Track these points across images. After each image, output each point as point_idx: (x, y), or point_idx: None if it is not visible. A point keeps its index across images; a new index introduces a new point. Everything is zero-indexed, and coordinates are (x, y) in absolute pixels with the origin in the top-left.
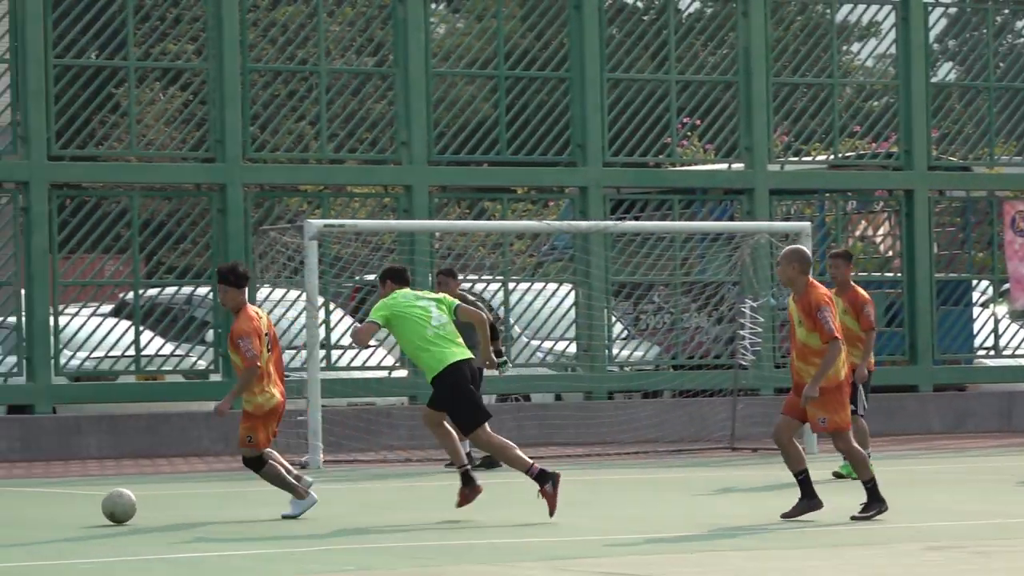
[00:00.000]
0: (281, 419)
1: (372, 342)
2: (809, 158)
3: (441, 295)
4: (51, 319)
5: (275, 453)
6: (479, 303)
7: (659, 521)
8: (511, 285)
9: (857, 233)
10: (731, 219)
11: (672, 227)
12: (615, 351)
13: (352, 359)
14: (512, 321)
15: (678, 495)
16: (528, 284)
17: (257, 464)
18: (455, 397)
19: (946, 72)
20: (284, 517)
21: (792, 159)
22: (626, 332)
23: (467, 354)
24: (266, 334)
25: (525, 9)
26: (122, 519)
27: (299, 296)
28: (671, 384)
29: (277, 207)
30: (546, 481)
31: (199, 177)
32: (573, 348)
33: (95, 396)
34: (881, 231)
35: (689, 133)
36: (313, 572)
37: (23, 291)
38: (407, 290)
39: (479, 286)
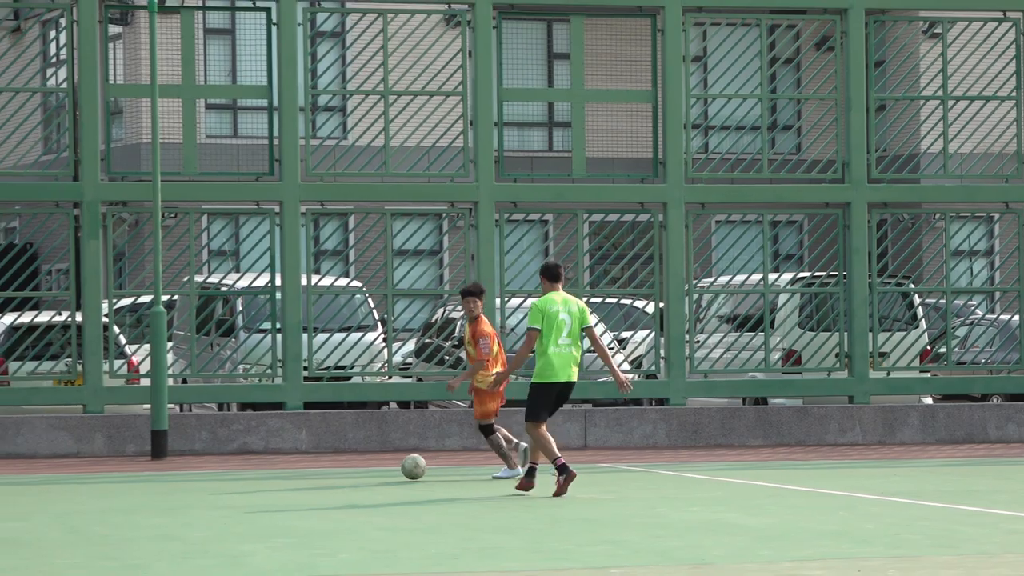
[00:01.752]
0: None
1: None
2: None
3: (580, 305)
4: None
5: (502, 429)
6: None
7: None
8: None
9: None
10: None
11: None
12: None
13: None
14: None
15: None
16: None
17: (488, 431)
18: (539, 397)
19: None
20: (494, 478)
21: None
22: None
23: (571, 379)
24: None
25: None
26: (414, 476)
27: None
28: None
29: None
30: (564, 473)
31: None
32: None
33: None
34: None
35: None
36: None
37: None
38: (559, 296)
39: None
